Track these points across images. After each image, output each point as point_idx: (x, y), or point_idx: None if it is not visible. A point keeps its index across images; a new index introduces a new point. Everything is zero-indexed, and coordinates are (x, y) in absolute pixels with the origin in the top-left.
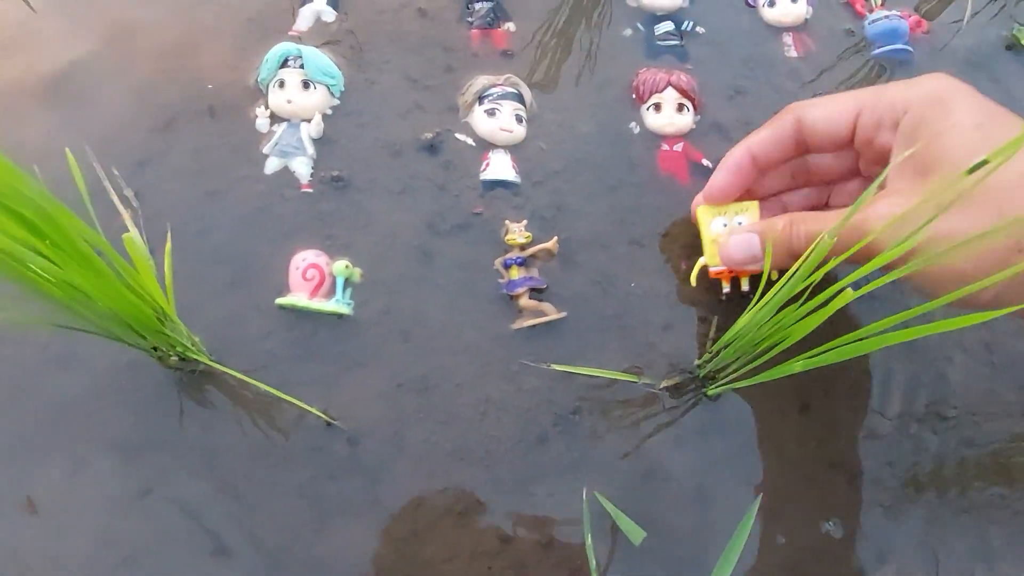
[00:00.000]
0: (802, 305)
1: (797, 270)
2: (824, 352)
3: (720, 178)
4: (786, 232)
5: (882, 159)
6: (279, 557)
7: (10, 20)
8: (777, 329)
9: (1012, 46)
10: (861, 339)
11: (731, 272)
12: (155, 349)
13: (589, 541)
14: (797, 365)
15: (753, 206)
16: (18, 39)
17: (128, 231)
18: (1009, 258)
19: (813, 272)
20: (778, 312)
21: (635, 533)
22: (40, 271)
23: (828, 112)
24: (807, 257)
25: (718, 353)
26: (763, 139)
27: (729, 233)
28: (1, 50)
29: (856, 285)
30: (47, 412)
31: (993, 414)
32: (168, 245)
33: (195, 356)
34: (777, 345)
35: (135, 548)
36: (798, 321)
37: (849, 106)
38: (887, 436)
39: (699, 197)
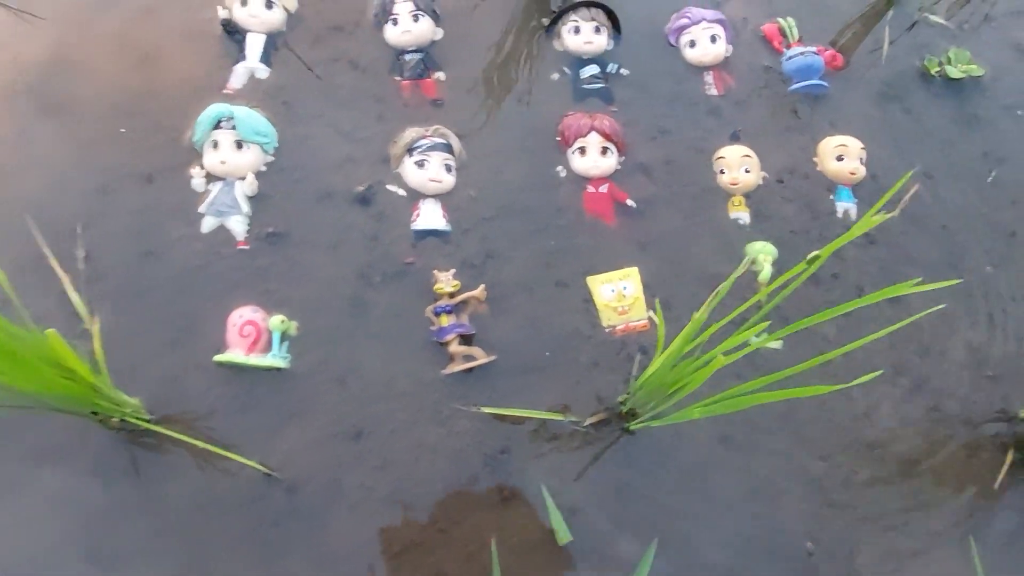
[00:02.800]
0: (696, 359)
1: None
2: (717, 402)
3: None
4: None
5: None
6: None
7: None
8: (677, 379)
9: (924, 75)
10: (747, 393)
11: (626, 328)
12: (95, 414)
13: None
14: (695, 412)
15: (633, 272)
16: None
17: (60, 316)
18: None
19: (698, 335)
20: (676, 366)
21: (563, 534)
22: None
23: None
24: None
25: (630, 393)
26: None
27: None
28: None
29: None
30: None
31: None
32: (96, 327)
33: (133, 420)
34: (682, 390)
35: None
36: (693, 373)
37: None
38: (808, 464)
39: None
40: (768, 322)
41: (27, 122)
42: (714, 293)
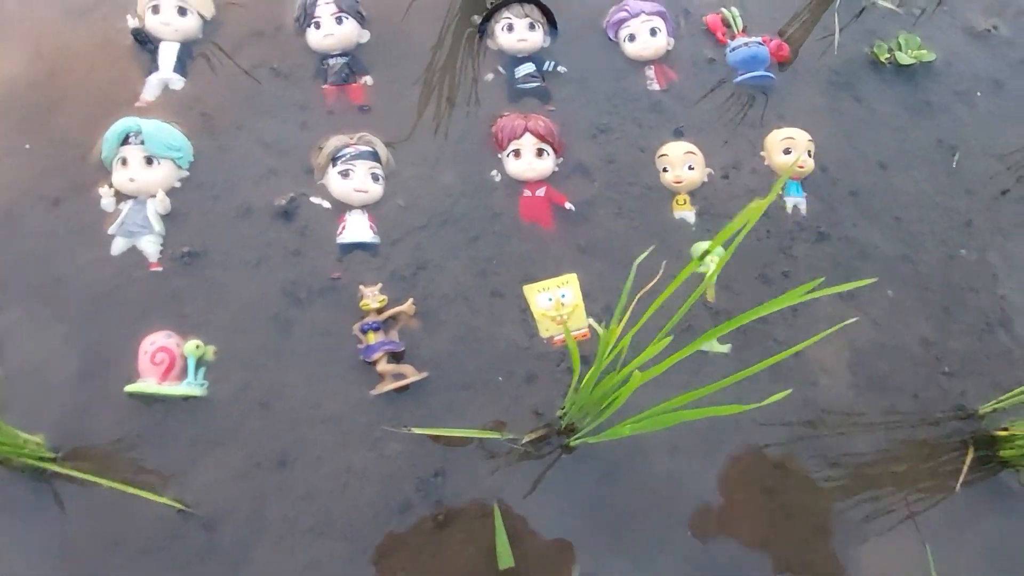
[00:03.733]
0: (618, 373)
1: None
2: (645, 420)
3: None
4: None
5: None
6: None
7: None
8: (603, 395)
9: (874, 62)
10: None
11: (576, 339)
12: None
13: None
14: (625, 429)
15: (572, 279)
16: None
17: None
18: None
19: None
20: (600, 382)
21: (506, 558)
22: None
23: None
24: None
25: (565, 410)
26: None
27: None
28: None
29: (646, 366)
30: None
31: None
32: None
33: (33, 462)
34: (611, 405)
35: None
36: (617, 389)
37: None
38: (762, 470)
39: None
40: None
41: None
42: (632, 303)
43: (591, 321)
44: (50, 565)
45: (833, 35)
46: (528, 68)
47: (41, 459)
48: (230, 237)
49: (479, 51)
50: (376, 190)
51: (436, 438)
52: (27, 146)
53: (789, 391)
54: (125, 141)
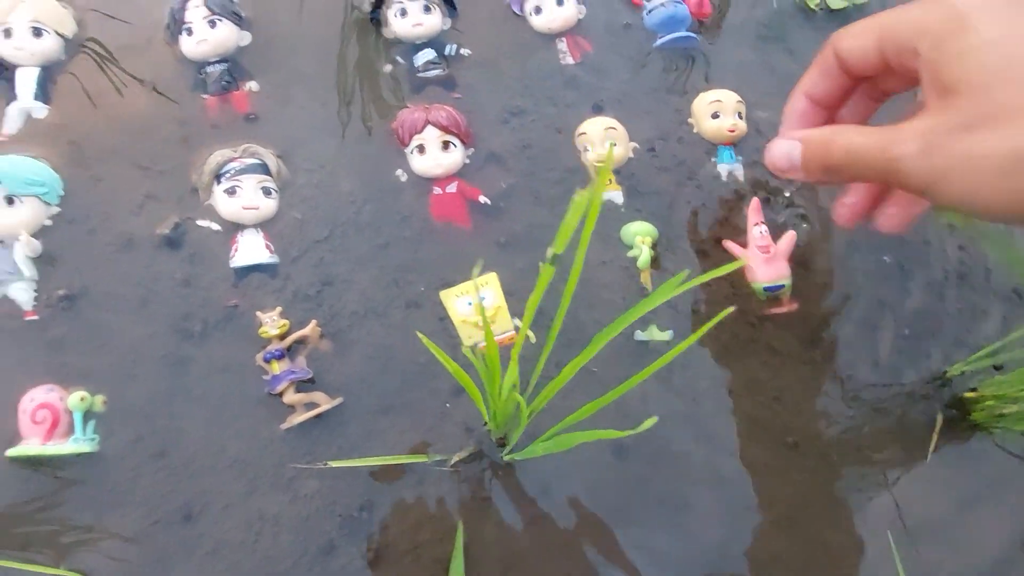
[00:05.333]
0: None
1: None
2: (551, 439)
3: (787, 131)
4: (823, 143)
5: (916, 82)
6: None
7: None
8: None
9: (804, 10)
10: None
11: (503, 343)
12: None
13: None
14: (539, 448)
15: (492, 278)
16: None
17: None
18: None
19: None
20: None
21: None
22: None
23: (854, 42)
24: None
25: (490, 423)
26: (811, 77)
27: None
28: None
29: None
30: None
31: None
32: None
33: None
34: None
35: None
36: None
37: (871, 36)
38: (718, 462)
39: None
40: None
41: None
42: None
43: (517, 321)
44: None
45: None
46: (428, 55)
47: None
48: (111, 274)
49: (375, 42)
50: (269, 205)
51: (357, 470)
52: None
53: (655, 419)
54: None
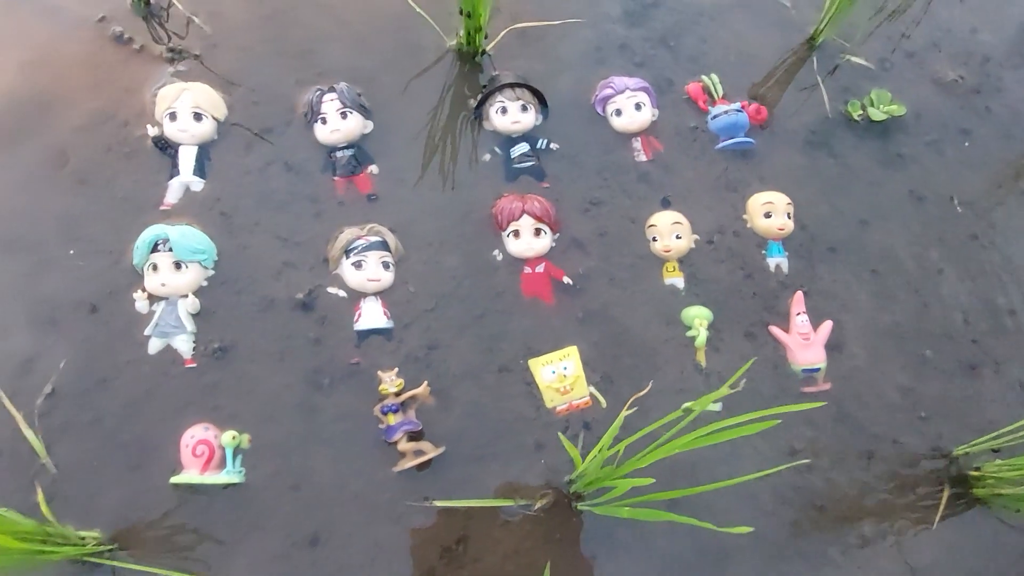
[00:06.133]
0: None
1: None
2: (637, 509)
3: None
4: None
5: None
6: None
7: None
8: (603, 476)
9: (848, 119)
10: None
11: (569, 407)
12: (43, 553)
13: None
14: (623, 512)
15: (572, 351)
16: None
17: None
18: None
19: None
20: (604, 466)
21: None
22: None
23: None
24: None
25: (572, 480)
26: None
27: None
28: None
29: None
30: None
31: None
32: (40, 495)
33: (93, 559)
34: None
35: None
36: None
37: None
38: (753, 520)
39: None
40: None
41: None
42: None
43: (592, 389)
44: None
45: (808, 93)
46: (523, 148)
47: (99, 554)
48: (255, 330)
49: (475, 134)
50: (387, 278)
51: (455, 509)
52: (71, 252)
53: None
54: (155, 248)
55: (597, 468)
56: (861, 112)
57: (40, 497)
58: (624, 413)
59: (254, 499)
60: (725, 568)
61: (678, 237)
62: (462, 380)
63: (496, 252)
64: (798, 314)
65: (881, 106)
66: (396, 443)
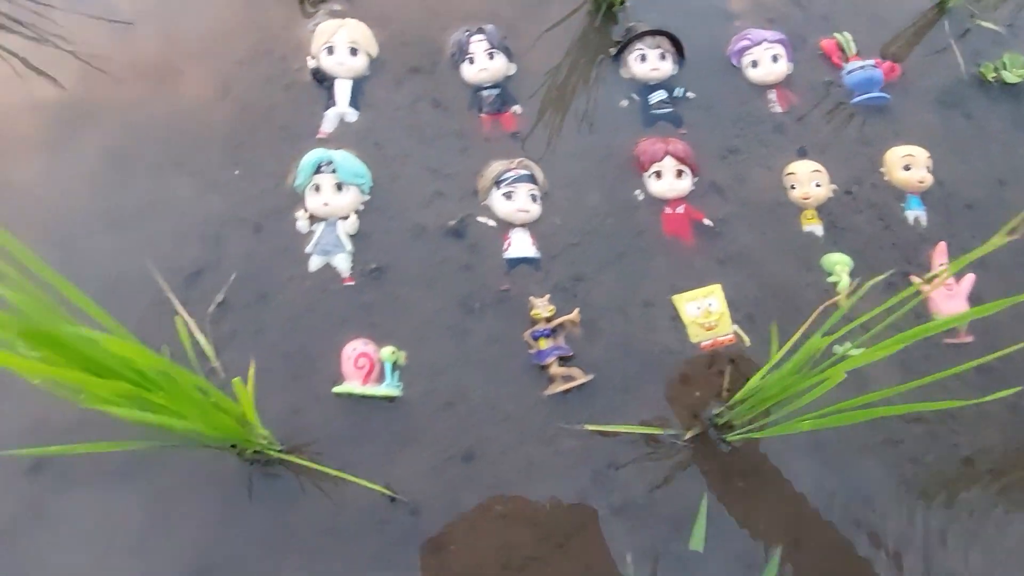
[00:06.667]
0: (805, 376)
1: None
2: (828, 415)
3: None
4: None
5: None
6: None
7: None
8: (782, 391)
9: (981, 81)
10: (856, 408)
11: (714, 344)
12: (233, 447)
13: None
14: (804, 424)
15: (717, 289)
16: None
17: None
18: None
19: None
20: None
21: (698, 541)
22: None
23: None
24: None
25: (734, 406)
26: None
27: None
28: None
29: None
30: (148, 499)
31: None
32: (252, 371)
33: (268, 451)
34: (787, 403)
35: None
36: (805, 390)
37: None
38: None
39: None
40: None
41: (140, 173)
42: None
43: (736, 328)
44: (272, 547)
45: (940, 55)
46: (660, 95)
47: (270, 450)
48: (408, 255)
49: (611, 80)
50: (535, 210)
51: (604, 434)
52: (236, 172)
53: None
54: (318, 170)
55: (760, 397)
56: (995, 74)
57: (251, 382)
58: (779, 353)
59: (410, 413)
60: (871, 507)
61: (817, 185)
62: (608, 312)
63: (637, 192)
64: (940, 264)
65: (1014, 69)
66: (547, 367)
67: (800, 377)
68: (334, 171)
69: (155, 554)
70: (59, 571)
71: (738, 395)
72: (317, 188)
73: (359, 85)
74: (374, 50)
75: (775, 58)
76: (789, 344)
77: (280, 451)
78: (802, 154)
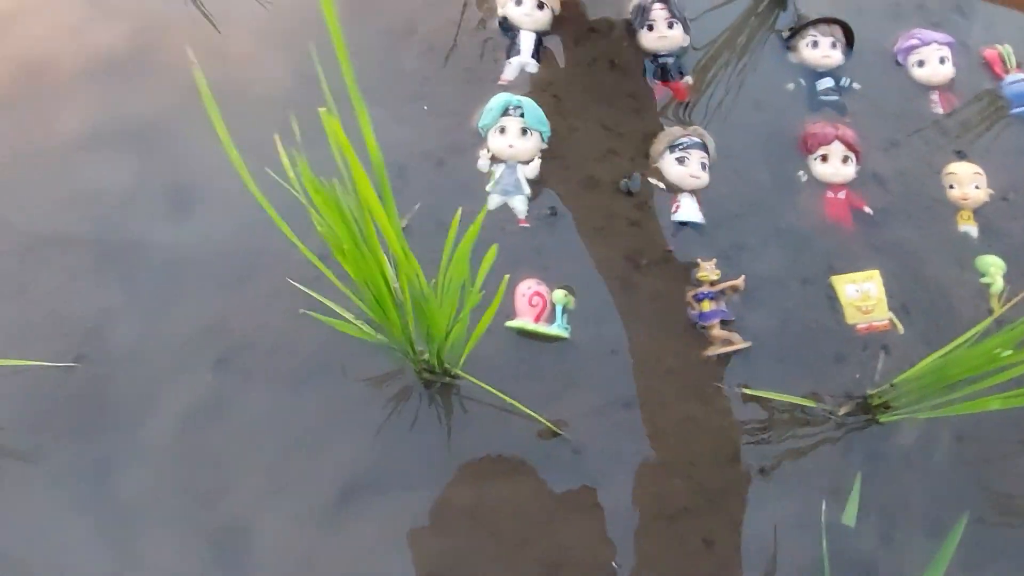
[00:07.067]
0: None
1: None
2: (1017, 396)
3: None
4: None
5: None
6: (515, 547)
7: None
8: (948, 375)
9: None
10: None
11: (869, 327)
12: (411, 360)
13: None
14: (994, 403)
15: (875, 275)
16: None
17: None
18: None
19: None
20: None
21: (851, 516)
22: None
23: None
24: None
25: (894, 386)
26: None
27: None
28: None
29: None
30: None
31: None
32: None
33: (450, 370)
34: (952, 388)
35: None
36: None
37: None
38: None
39: None
40: None
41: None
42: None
43: (891, 315)
44: (435, 465)
45: None
46: (828, 82)
47: (447, 372)
48: (581, 204)
49: (778, 62)
50: (705, 177)
51: (761, 400)
52: (425, 108)
53: None
54: (505, 112)
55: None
56: None
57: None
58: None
59: (577, 356)
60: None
61: (976, 188)
62: (766, 284)
63: (801, 173)
64: None
65: None
66: (709, 328)
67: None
68: (521, 115)
69: (322, 455)
70: (230, 460)
71: (907, 374)
72: (502, 130)
73: (540, 38)
74: (557, 7)
75: (942, 60)
76: (967, 335)
77: (455, 370)
78: (961, 156)
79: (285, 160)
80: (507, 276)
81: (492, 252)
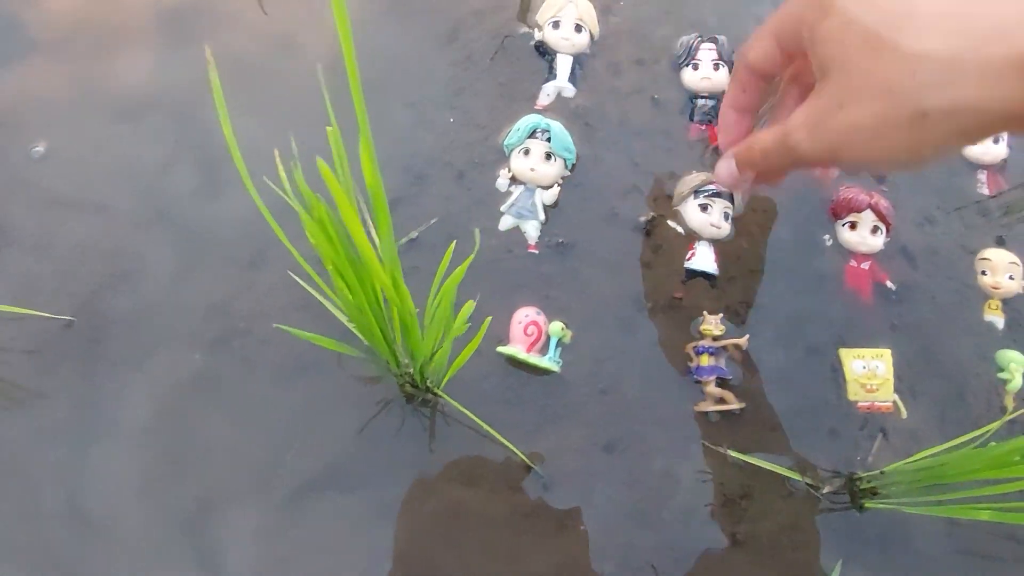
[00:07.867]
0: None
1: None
2: (1011, 511)
3: (723, 139)
4: (747, 151)
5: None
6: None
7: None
8: (967, 472)
9: None
10: None
11: (871, 407)
12: (394, 373)
13: None
14: (984, 514)
15: (887, 353)
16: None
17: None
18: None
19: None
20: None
21: None
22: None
23: (758, 48)
24: None
25: (884, 473)
26: (732, 92)
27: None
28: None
29: None
30: (306, 398)
31: None
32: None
33: (431, 387)
34: (959, 489)
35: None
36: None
37: (770, 38)
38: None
39: (721, 168)
40: None
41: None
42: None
43: (896, 397)
44: (404, 475)
45: None
46: None
47: (428, 390)
48: (594, 237)
49: None
50: (726, 228)
51: (745, 465)
52: (451, 120)
53: None
54: (532, 134)
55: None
56: None
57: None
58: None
59: (565, 391)
60: None
61: (1011, 278)
62: (772, 346)
63: (827, 237)
64: None
65: None
66: (704, 384)
67: (989, 462)
68: (548, 140)
69: (296, 445)
70: (210, 439)
71: (900, 464)
72: (527, 152)
73: (577, 61)
74: (597, 31)
75: (996, 139)
76: (973, 434)
77: (435, 393)
78: (1000, 243)
79: (290, 159)
80: (489, 317)
81: (469, 306)
